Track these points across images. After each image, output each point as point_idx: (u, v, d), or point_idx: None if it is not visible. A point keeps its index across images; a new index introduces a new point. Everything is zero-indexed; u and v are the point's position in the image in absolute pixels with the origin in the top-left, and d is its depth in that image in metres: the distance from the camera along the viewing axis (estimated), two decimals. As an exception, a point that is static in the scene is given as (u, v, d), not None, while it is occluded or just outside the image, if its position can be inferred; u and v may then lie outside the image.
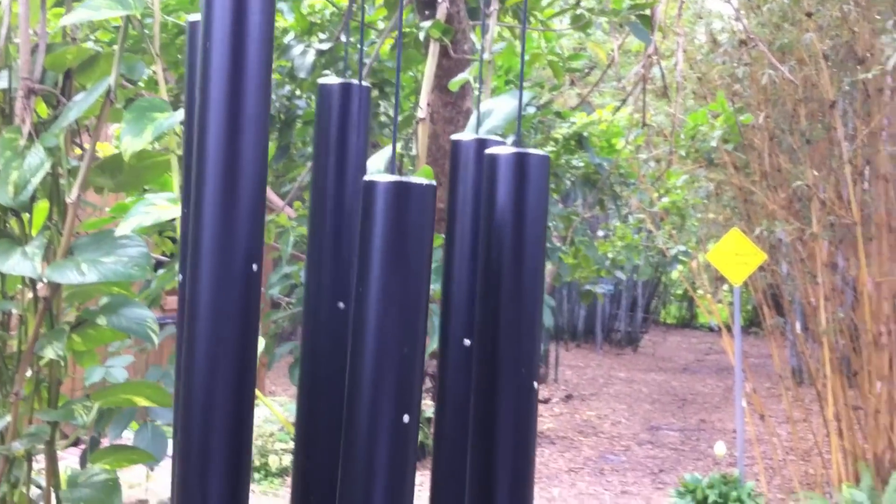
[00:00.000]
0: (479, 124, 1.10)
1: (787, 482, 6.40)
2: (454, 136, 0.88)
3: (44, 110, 1.37)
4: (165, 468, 6.34)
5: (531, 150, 0.83)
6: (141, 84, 2.22)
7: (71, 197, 1.25)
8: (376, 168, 1.14)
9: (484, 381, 0.77)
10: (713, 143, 4.19)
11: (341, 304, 0.81)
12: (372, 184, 0.66)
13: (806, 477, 6.45)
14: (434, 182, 0.69)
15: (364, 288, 0.66)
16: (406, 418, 0.65)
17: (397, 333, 0.66)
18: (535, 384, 0.79)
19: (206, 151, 0.69)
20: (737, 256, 5.62)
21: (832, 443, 5.95)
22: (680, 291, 15.94)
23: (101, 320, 1.38)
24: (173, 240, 2.13)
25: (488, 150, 0.82)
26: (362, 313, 0.67)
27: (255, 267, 0.71)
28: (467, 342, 0.82)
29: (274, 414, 3.92)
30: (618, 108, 3.71)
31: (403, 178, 0.66)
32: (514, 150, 0.81)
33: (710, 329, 14.90)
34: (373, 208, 0.66)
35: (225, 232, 0.70)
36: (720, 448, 5.60)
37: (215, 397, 0.70)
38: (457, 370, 0.82)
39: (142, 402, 1.52)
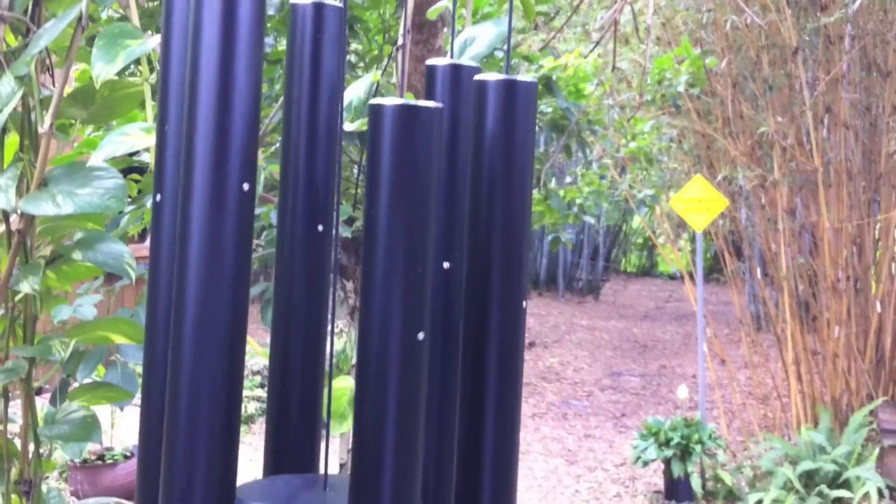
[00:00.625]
0: (453, 52, 1.09)
1: (747, 425, 6.52)
2: (430, 62, 0.87)
3: (12, 39, 1.34)
4: (130, 415, 6.31)
5: (519, 77, 0.83)
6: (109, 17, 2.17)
7: (44, 126, 1.23)
8: (356, 96, 1.13)
9: (474, 302, 0.77)
10: (679, 89, 4.19)
11: (321, 227, 0.80)
12: (379, 107, 0.66)
13: (765, 420, 6.58)
14: (441, 105, 0.69)
15: (374, 211, 0.65)
16: (420, 335, 0.65)
17: (408, 255, 0.66)
18: (525, 304, 0.78)
19: (198, 67, 0.68)
20: (699, 203, 5.66)
21: (791, 386, 6.07)
22: (640, 240, 16.06)
23: (77, 255, 1.36)
24: (137, 181, 2.10)
25: (477, 77, 0.81)
26: (372, 236, 0.66)
27: (245, 187, 0.70)
28: (447, 265, 0.81)
29: (256, 351, 3.91)
30: (590, 52, 3.69)
31: (411, 101, 0.66)
32: (502, 76, 0.80)
33: (671, 277, 15.06)
34: (380, 132, 0.66)
35: (218, 149, 0.69)
36: (682, 392, 5.69)
37: (208, 326, 0.68)
38: (435, 295, 0.81)
39: (118, 338, 1.50)
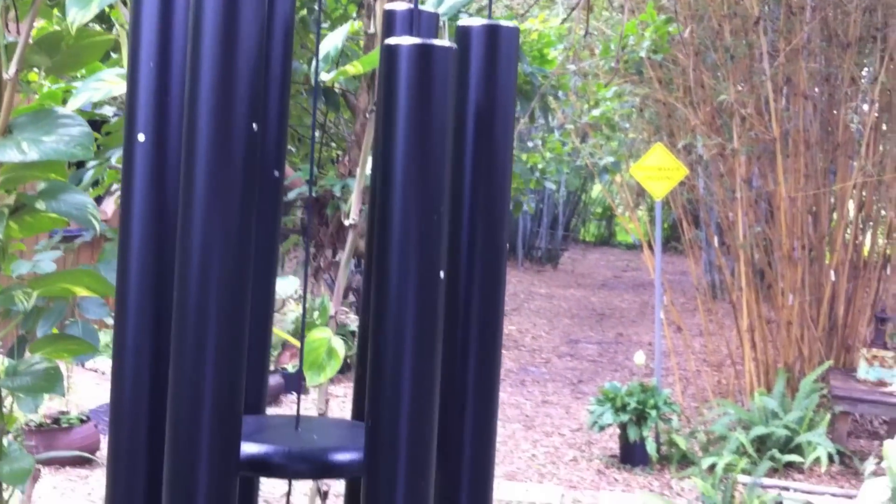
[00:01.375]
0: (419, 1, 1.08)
1: (702, 392, 6.62)
2: (388, 6, 0.87)
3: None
4: (86, 379, 6.25)
5: (502, 22, 0.83)
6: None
7: (9, 73, 1.20)
8: (333, 46, 1.12)
9: (455, 247, 0.77)
10: (642, 54, 4.21)
11: (255, 126, 0.79)
12: (394, 47, 0.66)
13: (719, 387, 6.68)
14: (454, 45, 0.69)
15: (389, 151, 0.65)
16: (441, 274, 0.66)
17: (425, 197, 0.66)
18: (506, 245, 0.78)
19: (202, 8, 0.66)
20: (659, 171, 5.70)
21: (745, 354, 6.16)
22: (599, 210, 16.16)
23: (41, 205, 1.34)
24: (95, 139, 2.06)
25: (460, 22, 0.81)
26: (388, 179, 0.66)
27: (255, 126, 0.69)
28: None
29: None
30: (563, 20, 3.69)
31: (426, 41, 0.65)
32: (486, 21, 0.80)
33: (628, 247, 15.19)
34: (395, 72, 0.66)
35: (224, 86, 0.67)
36: (639, 358, 5.75)
37: (211, 265, 0.67)
38: None
39: (81, 291, 1.49)
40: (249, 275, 0.68)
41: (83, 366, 6.49)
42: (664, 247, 6.26)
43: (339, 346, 1.15)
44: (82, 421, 4.87)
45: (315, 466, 0.72)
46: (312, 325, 1.34)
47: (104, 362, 6.54)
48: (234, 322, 0.66)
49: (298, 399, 0.79)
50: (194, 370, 0.64)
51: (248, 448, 0.70)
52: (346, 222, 1.18)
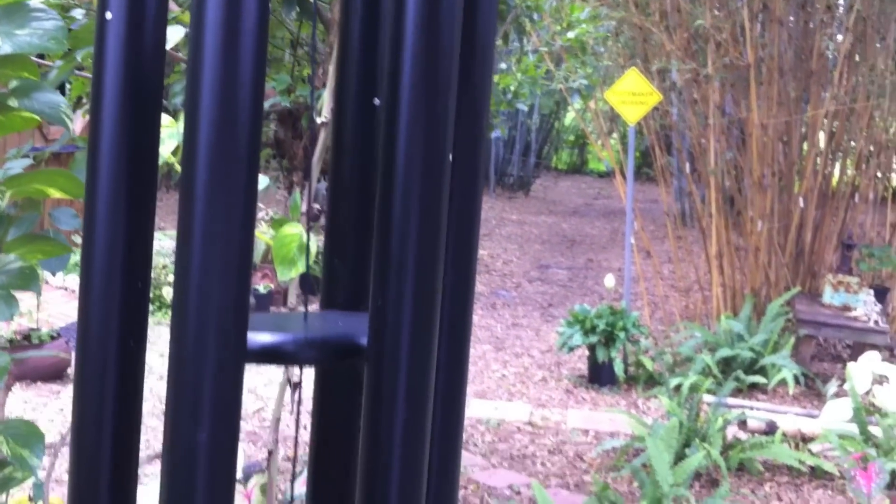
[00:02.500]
0: None
1: (669, 316, 6.71)
2: None
3: None
4: (55, 297, 6.22)
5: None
6: None
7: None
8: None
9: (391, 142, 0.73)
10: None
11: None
12: None
13: (686, 311, 6.77)
14: None
15: (396, 75, 0.65)
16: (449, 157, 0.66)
17: (431, 121, 0.65)
18: (450, 157, 0.73)
19: None
20: (633, 96, 5.69)
21: (713, 279, 6.24)
22: (572, 138, 16.14)
23: (13, 102, 1.32)
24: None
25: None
26: (394, 103, 0.65)
27: None
28: (377, 101, 0.79)
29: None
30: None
31: None
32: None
33: (600, 175, 15.22)
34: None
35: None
36: (609, 281, 5.81)
37: (217, 205, 0.64)
38: (362, 133, 0.79)
39: (55, 192, 1.48)
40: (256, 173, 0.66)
41: (51, 282, 6.46)
42: (636, 174, 6.29)
43: (310, 241, 1.16)
44: (52, 338, 4.87)
45: (324, 352, 0.72)
46: (284, 221, 1.33)
47: (73, 280, 6.52)
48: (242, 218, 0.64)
49: (306, 295, 0.80)
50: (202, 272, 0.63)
51: (257, 337, 0.69)
52: (319, 120, 1.18)
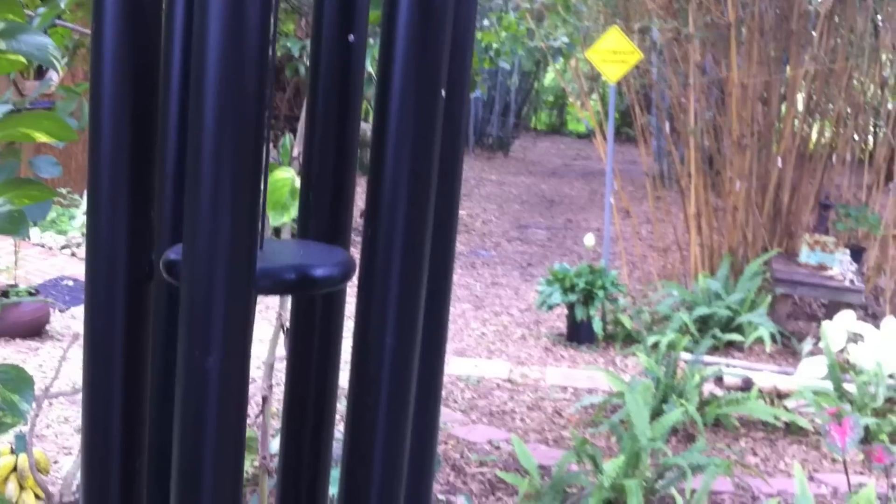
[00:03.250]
0: None
1: (647, 276, 6.76)
2: None
3: None
4: (32, 254, 6.18)
5: None
6: None
7: None
8: None
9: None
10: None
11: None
12: None
13: (664, 271, 6.82)
14: None
15: (391, 31, 0.64)
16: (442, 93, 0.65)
17: (426, 52, 0.65)
18: (443, 93, 0.71)
19: None
20: (614, 55, 5.69)
21: (691, 238, 6.28)
22: (551, 99, 16.11)
23: (0, 44, 1.31)
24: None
25: None
26: (391, 30, 0.65)
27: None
28: (351, 38, 0.78)
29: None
30: None
31: None
32: None
33: (579, 136, 15.22)
34: None
35: None
36: (589, 239, 5.84)
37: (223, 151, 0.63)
38: (337, 69, 0.78)
39: (41, 136, 1.46)
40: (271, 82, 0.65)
41: (28, 238, 6.42)
42: (616, 134, 6.30)
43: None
44: (31, 294, 4.85)
45: (276, 284, 0.71)
46: (275, 167, 1.33)
47: (50, 238, 6.48)
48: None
49: (264, 232, 0.79)
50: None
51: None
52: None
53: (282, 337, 1.22)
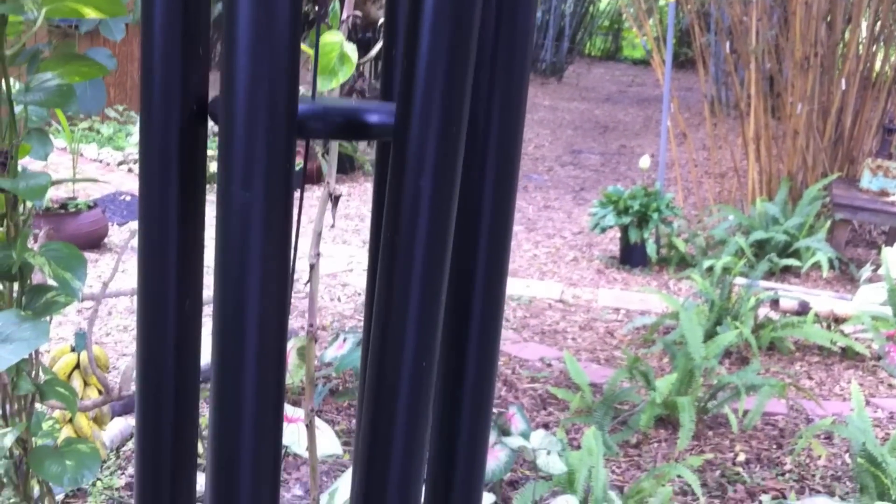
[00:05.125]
0: None
1: (703, 201, 6.66)
2: None
3: None
4: (90, 169, 6.23)
5: None
6: None
7: None
8: None
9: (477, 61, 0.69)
10: None
11: None
12: None
13: (720, 196, 6.72)
14: None
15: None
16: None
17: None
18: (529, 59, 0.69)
19: None
20: (675, -28, 5.53)
21: (749, 162, 6.16)
22: (606, 23, 15.80)
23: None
24: None
25: None
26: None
27: None
28: None
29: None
30: None
31: None
32: None
33: (634, 62, 14.95)
34: None
35: None
36: (644, 161, 5.75)
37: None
38: None
39: (89, 12, 1.45)
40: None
41: (86, 154, 6.48)
42: (673, 58, 6.14)
43: (351, 51, 1.13)
44: (90, 207, 4.91)
45: (334, 126, 0.70)
46: (324, 29, 1.29)
47: (108, 154, 6.54)
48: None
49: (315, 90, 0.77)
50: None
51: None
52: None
53: (329, 206, 1.20)
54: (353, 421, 3.35)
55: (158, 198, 0.69)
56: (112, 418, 2.79)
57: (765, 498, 2.91)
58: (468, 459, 0.75)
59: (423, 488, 0.75)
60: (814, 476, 3.14)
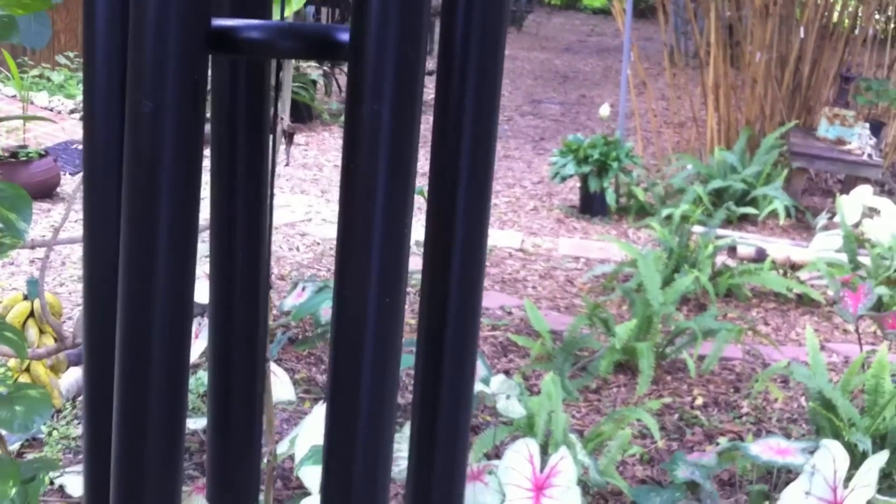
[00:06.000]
0: None
1: (662, 150, 6.67)
2: None
3: None
4: (41, 120, 6.10)
5: None
6: None
7: None
8: None
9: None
10: None
11: None
12: None
13: (679, 146, 6.74)
14: None
15: None
16: None
17: None
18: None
19: None
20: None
21: (708, 112, 6.18)
22: (566, -27, 15.72)
23: None
24: None
25: None
26: None
27: None
28: None
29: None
30: None
31: None
32: None
33: (594, 12, 14.89)
34: None
35: None
36: (604, 110, 5.74)
37: None
38: None
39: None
40: None
41: (37, 102, 6.35)
42: (633, 7, 6.12)
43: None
44: (41, 156, 4.81)
45: (304, 44, 0.66)
46: None
47: (59, 102, 6.41)
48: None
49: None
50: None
51: (220, 22, 0.64)
52: None
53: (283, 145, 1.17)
54: (314, 369, 3.34)
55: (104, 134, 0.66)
56: (68, 367, 2.75)
57: (722, 440, 2.95)
58: (451, 406, 0.73)
59: (411, 441, 0.73)
60: (770, 419, 3.19)
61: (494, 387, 2.47)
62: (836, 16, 6.32)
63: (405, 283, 0.65)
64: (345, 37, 0.66)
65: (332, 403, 0.65)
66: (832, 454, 1.99)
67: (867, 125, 5.68)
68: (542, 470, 1.93)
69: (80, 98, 6.42)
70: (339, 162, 0.72)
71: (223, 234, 0.72)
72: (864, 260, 4.33)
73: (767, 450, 2.13)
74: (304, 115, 7.04)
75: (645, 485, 2.69)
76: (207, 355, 0.74)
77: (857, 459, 2.38)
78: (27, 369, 2.38)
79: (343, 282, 0.63)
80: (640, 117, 7.20)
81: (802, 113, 6.11)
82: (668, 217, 4.97)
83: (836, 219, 4.66)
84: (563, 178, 5.36)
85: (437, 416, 0.72)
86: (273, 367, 2.07)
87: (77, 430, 2.76)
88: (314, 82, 7.52)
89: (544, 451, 2.30)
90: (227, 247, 0.74)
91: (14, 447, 2.58)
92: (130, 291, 0.62)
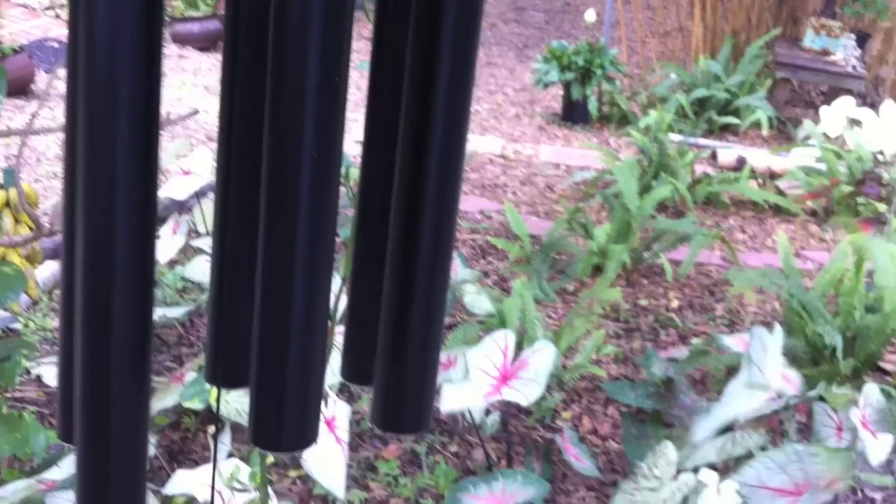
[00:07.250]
0: None
1: (647, 60, 6.60)
2: None
3: None
4: (15, 13, 5.98)
5: None
6: None
7: None
8: None
9: None
10: None
11: None
12: None
13: (664, 55, 6.67)
14: None
15: None
16: None
17: None
18: None
19: None
20: None
21: (695, 20, 6.11)
22: None
23: None
24: None
25: None
26: None
27: None
28: None
29: None
30: None
31: None
32: None
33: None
34: None
35: None
36: (590, 15, 5.66)
37: None
38: None
39: None
40: None
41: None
42: None
43: None
44: (15, 52, 4.71)
45: None
46: None
47: (34, -1, 6.27)
48: None
49: None
50: None
51: None
52: None
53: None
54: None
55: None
56: (44, 260, 2.74)
57: (696, 341, 2.99)
58: (427, 295, 0.71)
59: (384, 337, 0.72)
60: (743, 321, 3.23)
61: (459, 276, 2.48)
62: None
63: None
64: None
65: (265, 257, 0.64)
66: (762, 342, 1.95)
67: (853, 36, 5.64)
68: (513, 362, 1.96)
69: (54, -5, 6.28)
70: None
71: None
72: (843, 168, 4.34)
73: (739, 343, 2.15)
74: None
75: (619, 380, 2.73)
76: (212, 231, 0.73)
77: (826, 353, 2.43)
78: (2, 258, 2.36)
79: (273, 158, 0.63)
80: (626, 27, 7.11)
81: (789, 23, 6.06)
82: (648, 127, 4.95)
83: (819, 128, 4.65)
84: (546, 85, 5.32)
85: (412, 307, 0.71)
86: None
87: (54, 322, 2.76)
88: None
89: (520, 348, 2.33)
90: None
91: (-9, 337, 2.59)
92: (92, 184, 0.59)
